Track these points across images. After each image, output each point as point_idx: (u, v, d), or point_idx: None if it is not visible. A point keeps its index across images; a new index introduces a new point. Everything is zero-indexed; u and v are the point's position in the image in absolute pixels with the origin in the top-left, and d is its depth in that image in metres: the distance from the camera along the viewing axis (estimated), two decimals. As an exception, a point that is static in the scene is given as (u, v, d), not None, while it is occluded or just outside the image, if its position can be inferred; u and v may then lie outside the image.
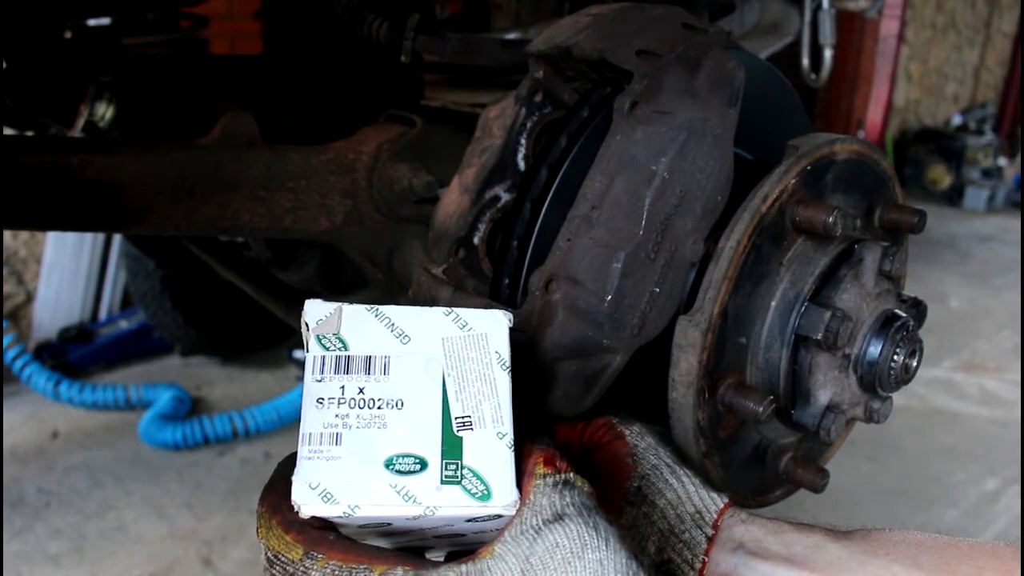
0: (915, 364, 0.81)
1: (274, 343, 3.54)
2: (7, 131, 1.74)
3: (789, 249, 0.77)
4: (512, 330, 0.64)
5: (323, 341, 0.60)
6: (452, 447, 0.58)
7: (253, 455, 2.87)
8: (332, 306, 0.62)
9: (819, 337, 0.74)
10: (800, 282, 0.77)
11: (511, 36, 1.24)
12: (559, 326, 0.73)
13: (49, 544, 2.39)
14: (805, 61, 1.70)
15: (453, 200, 0.89)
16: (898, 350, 0.78)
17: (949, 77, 8.31)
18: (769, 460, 0.84)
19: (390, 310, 0.63)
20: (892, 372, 0.79)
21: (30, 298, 3.58)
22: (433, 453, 0.58)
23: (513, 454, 0.59)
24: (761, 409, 0.73)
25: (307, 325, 0.61)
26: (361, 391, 0.59)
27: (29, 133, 1.76)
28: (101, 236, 3.59)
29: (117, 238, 3.58)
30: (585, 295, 0.72)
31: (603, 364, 0.74)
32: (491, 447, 0.59)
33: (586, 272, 0.73)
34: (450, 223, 0.88)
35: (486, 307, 0.73)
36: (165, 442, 2.86)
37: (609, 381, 0.75)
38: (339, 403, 0.58)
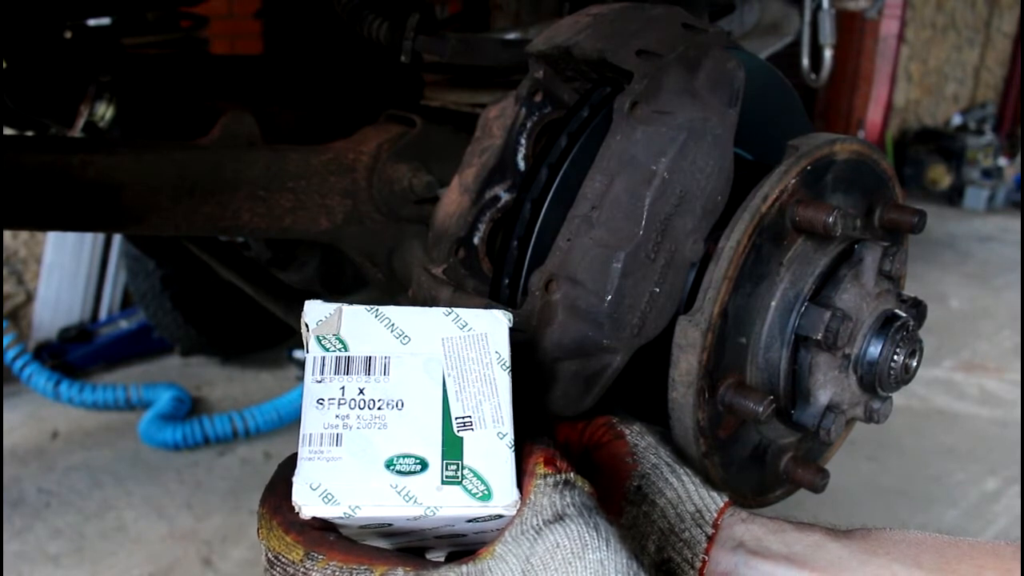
0: (915, 364, 0.81)
1: (274, 343, 3.54)
2: (7, 131, 1.74)
3: (789, 249, 0.77)
4: (512, 330, 0.64)
5: (323, 342, 0.60)
6: (452, 447, 0.58)
7: (253, 455, 2.87)
8: (332, 307, 0.62)
9: (819, 337, 0.74)
10: (800, 282, 0.77)
11: (511, 36, 1.24)
12: (559, 326, 0.73)
13: (49, 544, 2.39)
14: (805, 61, 1.70)
15: (453, 200, 0.89)
16: (898, 350, 0.78)
17: (949, 77, 8.31)
18: (769, 460, 0.84)
19: (390, 310, 0.63)
20: (892, 372, 0.79)
21: (30, 298, 3.58)
22: (433, 453, 0.58)
23: (513, 454, 0.59)
24: (761, 409, 0.73)
25: (307, 326, 0.61)
26: (361, 392, 0.59)
27: (29, 133, 1.76)
28: (101, 236, 3.59)
29: (117, 238, 3.58)
30: (585, 295, 0.72)
31: (603, 364, 0.74)
32: (491, 447, 0.59)
33: (586, 272, 0.73)
34: (450, 223, 0.88)
35: (486, 307, 0.73)
36: (165, 442, 2.86)
37: (609, 381, 0.75)
38: (339, 404, 0.58)
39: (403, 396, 0.59)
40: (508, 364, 0.62)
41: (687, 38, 0.79)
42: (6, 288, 3.50)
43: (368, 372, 0.60)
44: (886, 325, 0.79)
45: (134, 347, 3.55)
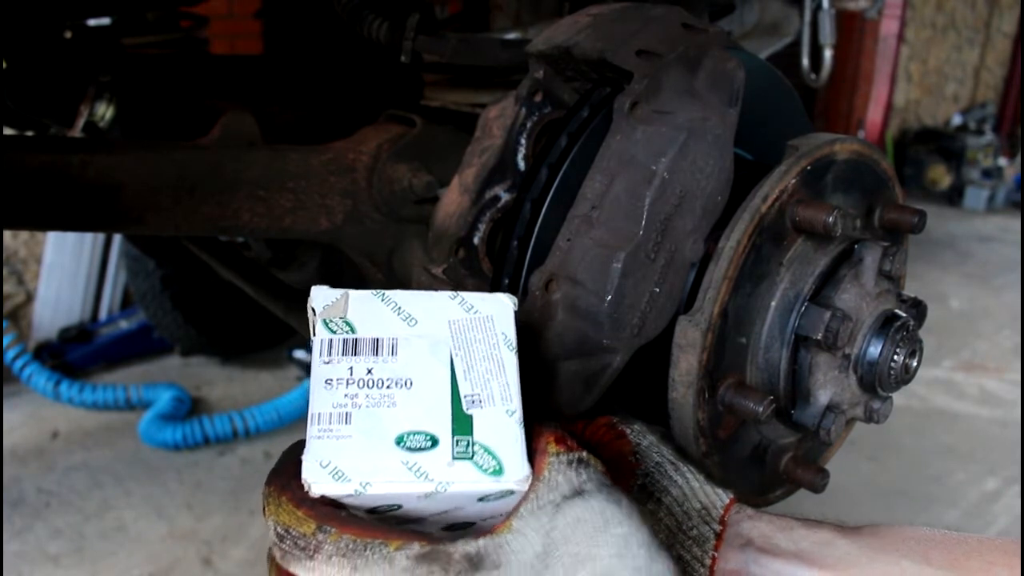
0: (915, 364, 0.81)
1: (274, 343, 3.54)
2: (7, 131, 1.74)
3: (789, 249, 0.77)
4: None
5: (330, 324, 0.61)
6: (462, 424, 0.58)
7: (253, 455, 2.87)
8: (338, 292, 0.63)
9: (819, 337, 0.74)
10: (800, 282, 0.77)
11: (511, 36, 1.24)
12: (559, 326, 0.73)
13: (49, 544, 2.39)
14: (805, 61, 1.70)
15: (453, 200, 0.89)
16: (898, 350, 0.78)
17: (949, 77, 8.30)
18: (769, 460, 0.84)
19: (396, 294, 0.64)
20: (892, 372, 0.79)
21: (30, 298, 3.58)
22: (443, 430, 0.58)
23: (523, 430, 0.59)
24: (761, 409, 0.73)
25: (314, 310, 0.62)
26: (370, 371, 0.59)
27: (29, 133, 1.76)
28: (101, 236, 3.59)
29: (117, 238, 3.57)
30: (585, 295, 0.72)
31: (603, 364, 0.74)
32: (501, 424, 0.59)
33: (586, 272, 0.73)
34: (450, 223, 0.88)
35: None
36: (165, 442, 2.85)
37: (609, 381, 0.75)
38: (348, 383, 0.58)
39: (411, 375, 0.60)
40: (514, 345, 0.63)
41: (687, 38, 0.79)
42: (6, 288, 3.50)
43: (376, 353, 0.60)
44: (886, 325, 0.79)
45: (134, 347, 3.54)
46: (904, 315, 0.81)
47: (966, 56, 8.42)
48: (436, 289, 0.84)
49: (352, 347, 0.60)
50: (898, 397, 0.86)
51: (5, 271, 3.49)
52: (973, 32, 8.36)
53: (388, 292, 0.63)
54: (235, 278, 1.74)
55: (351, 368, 0.59)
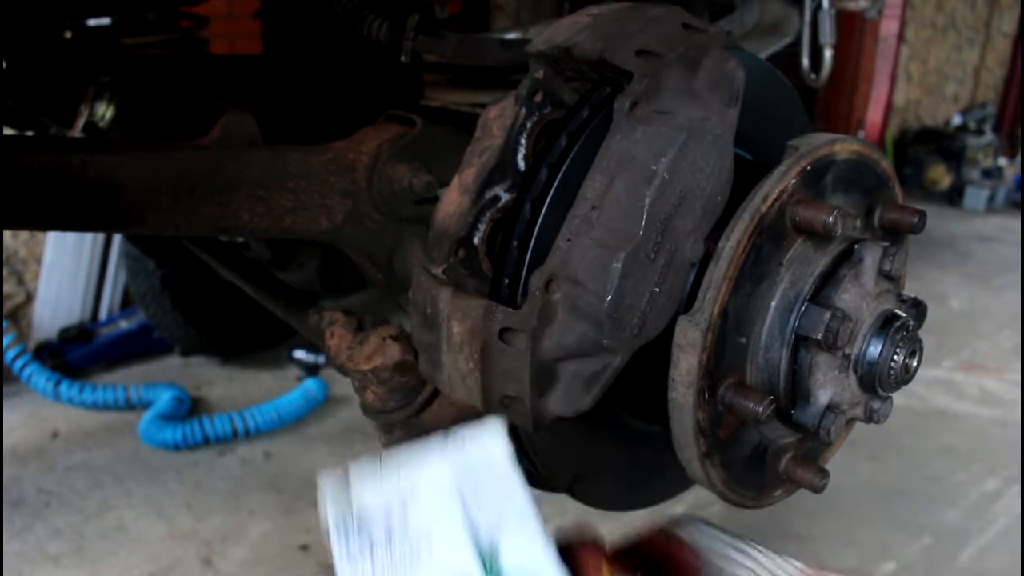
0: (915, 364, 0.81)
1: (274, 343, 3.53)
2: (7, 131, 1.75)
3: (789, 249, 0.77)
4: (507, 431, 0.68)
5: (340, 504, 0.63)
6: (489, 555, 0.60)
7: (253, 455, 2.87)
8: (339, 472, 0.66)
9: (819, 337, 0.74)
10: (800, 282, 0.77)
11: (511, 36, 1.24)
12: (559, 326, 0.73)
13: (49, 544, 2.39)
14: (805, 61, 1.70)
15: (453, 200, 0.89)
16: (898, 350, 0.78)
17: (949, 77, 8.30)
18: (769, 460, 0.84)
19: (394, 456, 0.66)
20: (892, 372, 0.79)
21: (30, 298, 3.58)
22: (473, 568, 0.59)
23: (548, 538, 0.61)
24: (761, 409, 0.73)
25: (325, 496, 0.64)
26: (388, 536, 0.62)
27: (29, 133, 1.76)
28: (101, 236, 3.59)
29: (117, 238, 3.57)
30: (585, 295, 0.72)
31: (603, 364, 0.74)
32: (525, 543, 0.61)
33: (586, 272, 0.73)
34: (450, 223, 0.88)
35: (486, 309, 0.74)
36: (165, 442, 2.85)
37: (609, 381, 0.75)
38: (371, 553, 0.61)
39: (429, 526, 0.62)
40: (514, 461, 0.66)
41: (687, 38, 0.79)
42: (6, 288, 3.50)
43: (389, 518, 0.63)
44: (886, 325, 0.79)
45: (134, 347, 3.54)
46: (904, 315, 0.81)
47: (966, 56, 8.42)
48: (436, 289, 0.84)
49: (366, 519, 0.63)
50: (898, 397, 0.86)
51: (5, 271, 3.49)
52: (973, 32, 8.35)
53: (385, 454, 0.66)
54: (235, 278, 1.74)
55: (370, 538, 0.62)
